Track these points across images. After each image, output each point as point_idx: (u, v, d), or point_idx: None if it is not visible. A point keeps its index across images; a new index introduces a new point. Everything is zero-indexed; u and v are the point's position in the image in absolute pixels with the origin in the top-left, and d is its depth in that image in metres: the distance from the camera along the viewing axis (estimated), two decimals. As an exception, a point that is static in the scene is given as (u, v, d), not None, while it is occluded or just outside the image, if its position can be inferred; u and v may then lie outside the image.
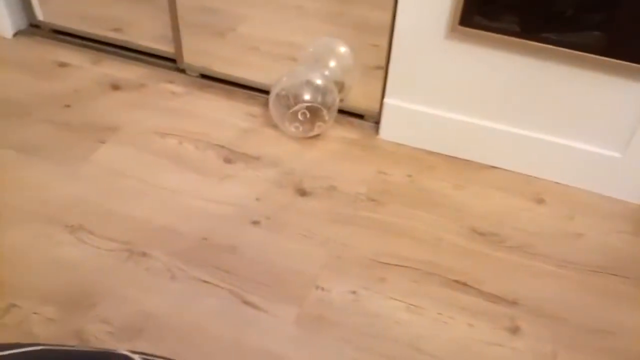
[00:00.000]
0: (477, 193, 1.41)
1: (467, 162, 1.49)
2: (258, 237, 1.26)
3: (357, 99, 1.60)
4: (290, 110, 1.36)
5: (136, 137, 1.49)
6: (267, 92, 1.63)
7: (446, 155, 1.50)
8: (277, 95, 1.45)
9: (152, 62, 1.72)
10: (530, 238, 1.30)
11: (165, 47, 1.72)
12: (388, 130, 1.51)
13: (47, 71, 1.67)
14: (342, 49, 1.58)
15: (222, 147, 1.48)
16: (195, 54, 1.68)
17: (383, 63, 1.58)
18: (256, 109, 1.60)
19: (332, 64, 1.53)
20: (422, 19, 1.31)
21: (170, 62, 1.71)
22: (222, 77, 1.66)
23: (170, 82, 1.66)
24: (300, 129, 1.45)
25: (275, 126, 1.55)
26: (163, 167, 1.41)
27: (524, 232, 1.31)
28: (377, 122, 1.54)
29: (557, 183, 1.44)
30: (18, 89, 1.60)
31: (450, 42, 1.32)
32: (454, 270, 1.22)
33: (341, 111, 1.59)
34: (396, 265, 1.22)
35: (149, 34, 1.78)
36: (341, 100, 1.54)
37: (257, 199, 1.35)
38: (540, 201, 1.39)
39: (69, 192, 1.33)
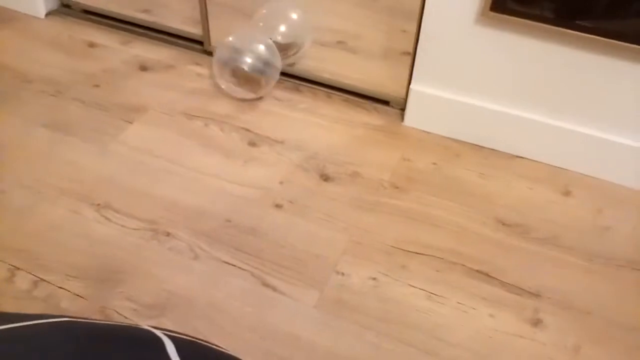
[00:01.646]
0: (503, 183, 1.39)
1: (493, 151, 1.46)
2: (280, 220, 1.27)
3: (383, 85, 1.58)
4: (229, 69, 1.44)
5: (163, 117, 1.50)
6: (292, 76, 1.63)
7: (472, 144, 1.47)
8: (221, 56, 1.50)
9: (180, 44, 1.73)
10: (557, 230, 1.28)
11: (192, 30, 1.72)
12: (414, 117, 1.49)
13: (78, 51, 1.70)
14: (294, 15, 1.60)
15: (247, 130, 1.48)
16: (222, 36, 1.68)
17: (411, 48, 1.56)
18: (282, 93, 1.59)
19: (283, 28, 1.57)
20: (452, 3, 1.28)
21: (197, 45, 1.71)
22: (249, 60, 1.66)
23: (197, 64, 1.67)
24: (234, 89, 1.51)
25: (301, 110, 1.54)
26: (189, 148, 1.42)
27: (550, 223, 1.29)
28: (403, 109, 1.53)
29: (586, 175, 1.41)
30: (50, 67, 1.63)
31: (480, 28, 1.30)
32: (477, 260, 1.21)
33: (366, 96, 1.58)
34: (418, 253, 1.22)
35: (177, 16, 1.79)
36: (292, 64, 1.58)
37: (281, 183, 1.35)
38: (568, 193, 1.37)
39: (97, 171, 1.35)
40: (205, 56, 1.70)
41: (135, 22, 1.77)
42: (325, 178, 1.37)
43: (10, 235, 1.21)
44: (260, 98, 1.55)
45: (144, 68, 1.65)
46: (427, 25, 1.34)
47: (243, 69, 1.39)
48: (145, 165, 1.38)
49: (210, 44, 1.68)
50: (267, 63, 1.46)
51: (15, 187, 1.31)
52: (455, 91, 1.42)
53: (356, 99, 1.59)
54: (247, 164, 1.40)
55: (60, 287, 1.12)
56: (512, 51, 1.30)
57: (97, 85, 1.58)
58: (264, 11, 1.59)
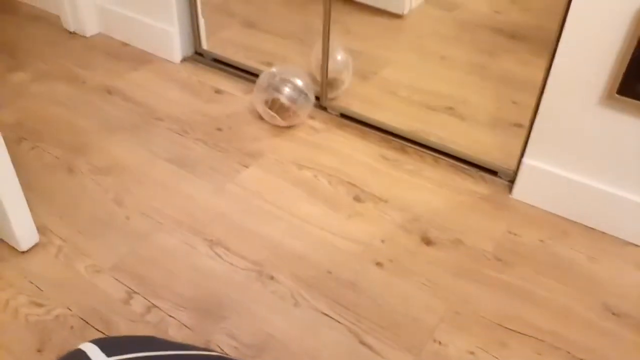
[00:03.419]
0: (614, 269, 1.32)
1: (604, 235, 1.41)
2: (380, 278, 1.29)
3: (491, 154, 1.58)
4: (265, 98, 1.62)
5: (276, 165, 1.59)
6: (402, 137, 1.68)
7: (582, 225, 1.43)
8: (262, 83, 1.67)
9: (297, 96, 1.83)
10: (674, 328, 1.20)
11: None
12: (523, 190, 1.48)
13: (205, 95, 1.85)
14: (339, 57, 1.80)
15: (353, 185, 1.53)
16: (337, 93, 1.77)
17: (523, 121, 1.56)
18: (389, 152, 1.64)
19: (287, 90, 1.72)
20: (577, 82, 1.28)
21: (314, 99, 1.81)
22: (360, 118, 1.73)
23: (312, 118, 1.76)
24: (270, 115, 1.67)
25: (406, 170, 1.57)
26: (297, 197, 1.49)
27: (666, 320, 1.21)
28: (512, 181, 1.52)
29: None
30: (179, 108, 1.79)
31: (604, 109, 1.28)
32: (581, 348, 1.15)
33: (472, 164, 1.59)
34: (519, 332, 1.18)
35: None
36: (334, 99, 1.78)
37: (382, 241, 1.38)
38: (688, 290, 1.28)
39: (212, 208, 1.45)
40: (320, 111, 1.79)
41: (258, 73, 1.90)
42: (427, 242, 1.38)
43: (131, 260, 1.31)
44: (368, 154, 1.61)
45: (262, 117, 1.76)
46: (548, 100, 1.34)
47: (279, 98, 1.55)
48: (256, 207, 1.45)
49: (326, 100, 1.77)
50: (301, 93, 1.60)
51: (137, 214, 1.43)
52: (571, 169, 1.39)
53: (462, 165, 1.60)
54: (350, 218, 1.44)
55: (170, 316, 1.20)
56: (636, 136, 1.27)
57: (219, 129, 1.71)
58: (315, 50, 1.79)
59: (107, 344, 0.48)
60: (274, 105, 1.56)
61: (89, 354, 0.46)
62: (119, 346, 0.46)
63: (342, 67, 1.81)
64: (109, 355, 0.45)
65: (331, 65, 1.73)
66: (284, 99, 1.55)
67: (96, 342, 0.50)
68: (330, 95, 1.77)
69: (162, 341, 0.50)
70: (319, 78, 1.76)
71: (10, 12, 2.27)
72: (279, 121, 1.60)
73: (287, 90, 1.59)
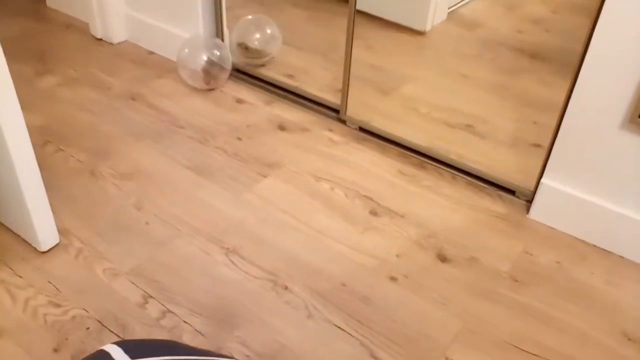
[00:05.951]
0: (632, 294, 1.31)
1: (622, 259, 1.39)
2: (394, 293, 1.29)
3: (510, 174, 1.58)
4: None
5: (294, 176, 1.60)
6: (420, 154, 1.68)
7: (600, 248, 1.42)
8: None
9: (317, 110, 1.85)
10: (692, 357, 1.18)
11: (331, 98, 1.84)
12: (541, 210, 1.47)
13: (227, 105, 1.88)
14: (269, 30, 2.02)
15: (370, 199, 1.54)
16: (357, 107, 1.79)
17: (542, 141, 1.55)
18: (407, 168, 1.64)
19: (257, 35, 2.03)
20: (599, 104, 1.28)
21: (333, 112, 1.82)
22: (379, 133, 1.74)
23: (331, 130, 1.78)
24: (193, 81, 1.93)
25: (424, 187, 1.58)
26: (314, 208, 1.50)
27: (684, 348, 1.19)
28: (529, 201, 1.51)
29: None
30: (201, 117, 1.82)
31: (626, 133, 1.27)
32: (597, 373, 1.14)
33: (490, 182, 1.58)
34: (534, 354, 1.17)
35: (317, 83, 1.93)
36: (263, 65, 2.01)
37: (397, 256, 1.38)
38: None
39: (229, 216, 1.46)
40: (338, 124, 1.80)
41: (279, 85, 1.93)
42: (443, 259, 1.38)
43: (148, 265, 1.33)
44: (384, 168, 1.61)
45: (282, 128, 1.78)
46: (569, 122, 1.34)
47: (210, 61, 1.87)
48: (272, 217, 1.47)
49: (345, 114, 1.78)
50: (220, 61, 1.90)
51: (156, 220, 1.45)
52: (590, 191, 1.38)
53: (480, 183, 1.60)
54: (366, 232, 1.44)
55: (185, 322, 1.21)
56: (658, 160, 1.26)
57: (239, 138, 1.73)
58: (250, 17, 2.03)
59: (130, 347, 0.49)
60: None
61: (113, 355, 0.47)
62: (142, 349, 0.47)
63: (269, 39, 2.03)
64: (132, 357, 0.46)
65: (261, 37, 2.01)
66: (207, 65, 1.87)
67: (119, 344, 0.51)
68: (252, 63, 2.02)
69: (184, 346, 0.51)
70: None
71: (42, 19, 2.33)
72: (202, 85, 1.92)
73: (205, 58, 1.88)
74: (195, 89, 1.94)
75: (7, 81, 1.12)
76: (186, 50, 1.89)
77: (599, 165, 1.35)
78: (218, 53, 1.89)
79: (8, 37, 1.03)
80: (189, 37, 1.95)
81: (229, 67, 1.93)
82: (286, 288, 1.29)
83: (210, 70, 1.88)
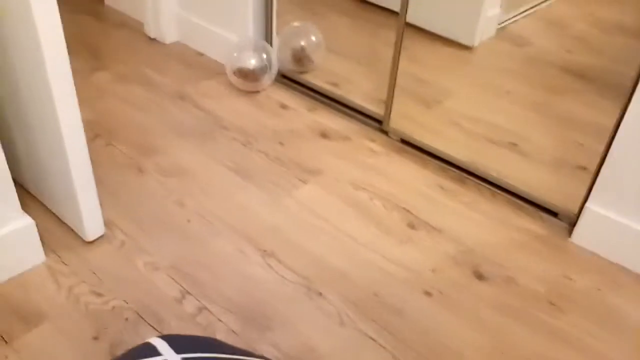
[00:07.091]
0: (674, 328, 1.27)
1: (667, 290, 1.35)
2: (428, 308, 1.28)
3: (552, 195, 1.56)
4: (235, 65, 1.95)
5: (334, 184, 1.61)
6: (460, 168, 1.67)
7: (643, 277, 1.38)
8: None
9: (360, 119, 1.86)
10: None
11: (374, 108, 1.85)
12: (583, 235, 1.44)
13: (271, 109, 1.91)
14: (313, 37, 2.06)
15: (408, 211, 1.54)
16: (400, 119, 1.79)
17: (587, 163, 1.52)
18: (447, 182, 1.64)
19: (302, 42, 2.06)
20: (650, 132, 1.25)
21: (375, 122, 1.83)
22: (420, 146, 1.74)
23: (372, 140, 1.78)
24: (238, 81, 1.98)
25: (463, 202, 1.57)
26: (352, 217, 1.51)
27: None
28: (572, 224, 1.48)
29: None
30: (245, 119, 1.85)
31: (677, 162, 1.24)
32: (633, 406, 1.11)
33: (531, 202, 1.56)
34: (567, 380, 1.15)
35: (361, 93, 1.94)
36: (305, 72, 2.04)
37: (433, 270, 1.37)
38: None
39: (267, 219, 1.49)
40: (380, 134, 1.81)
41: (323, 92, 1.95)
42: (479, 276, 1.36)
43: (187, 262, 1.36)
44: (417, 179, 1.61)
45: (324, 135, 1.80)
46: (618, 147, 1.31)
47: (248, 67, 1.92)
48: (309, 223, 1.48)
49: (388, 125, 1.79)
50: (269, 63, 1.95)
51: (196, 217, 1.48)
52: (637, 219, 1.35)
53: (520, 202, 1.58)
54: (402, 244, 1.44)
55: (219, 320, 1.23)
56: None
57: (281, 143, 1.76)
58: (296, 24, 2.08)
59: (175, 341, 0.51)
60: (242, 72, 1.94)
61: (159, 349, 0.49)
62: (187, 344, 0.49)
63: (314, 47, 2.06)
64: (177, 352, 0.48)
65: (306, 44, 2.05)
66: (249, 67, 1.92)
67: (165, 338, 0.53)
68: (298, 69, 2.04)
69: (226, 345, 0.53)
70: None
71: (99, 18, 2.41)
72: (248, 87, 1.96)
73: (252, 61, 1.93)
74: (241, 92, 1.98)
75: (68, 78, 1.17)
76: (235, 54, 1.93)
77: (646, 193, 1.31)
78: (266, 57, 1.93)
79: (66, 34, 1.08)
80: (239, 39, 1.99)
81: (275, 71, 1.96)
82: (320, 294, 1.30)
83: (258, 73, 1.92)
